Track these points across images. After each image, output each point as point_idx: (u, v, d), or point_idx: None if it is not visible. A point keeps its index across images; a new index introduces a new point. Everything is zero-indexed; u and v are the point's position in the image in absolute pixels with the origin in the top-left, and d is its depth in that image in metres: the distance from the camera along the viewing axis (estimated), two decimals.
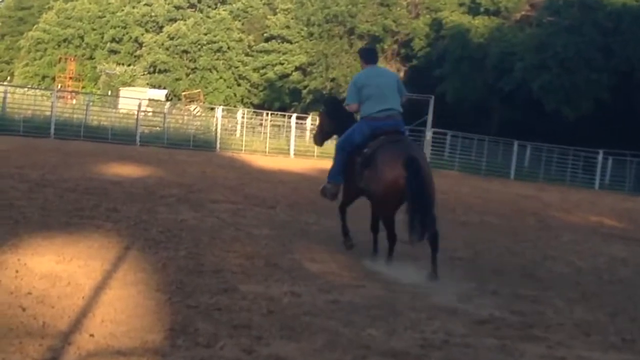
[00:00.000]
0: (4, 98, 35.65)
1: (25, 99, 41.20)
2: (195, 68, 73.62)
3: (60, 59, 78.44)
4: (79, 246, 8.69)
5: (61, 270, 7.46)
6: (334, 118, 11.28)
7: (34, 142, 27.38)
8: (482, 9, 51.44)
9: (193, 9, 78.89)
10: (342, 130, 10.84)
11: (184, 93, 68.70)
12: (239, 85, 73.74)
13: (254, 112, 49.73)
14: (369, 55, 11.05)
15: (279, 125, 43.53)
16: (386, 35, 58.71)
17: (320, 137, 11.86)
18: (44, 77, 79.60)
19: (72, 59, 77.74)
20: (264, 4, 76.63)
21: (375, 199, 10.09)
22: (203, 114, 49.02)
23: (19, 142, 26.14)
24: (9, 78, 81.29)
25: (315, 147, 38.81)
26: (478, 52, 49.14)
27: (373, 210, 10.41)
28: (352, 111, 10.76)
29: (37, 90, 52.50)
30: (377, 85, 10.36)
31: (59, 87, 69.04)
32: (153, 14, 78.98)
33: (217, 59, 73.27)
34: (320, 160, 35.98)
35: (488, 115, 51.75)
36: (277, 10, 71.00)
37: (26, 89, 51.74)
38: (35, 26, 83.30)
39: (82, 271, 7.54)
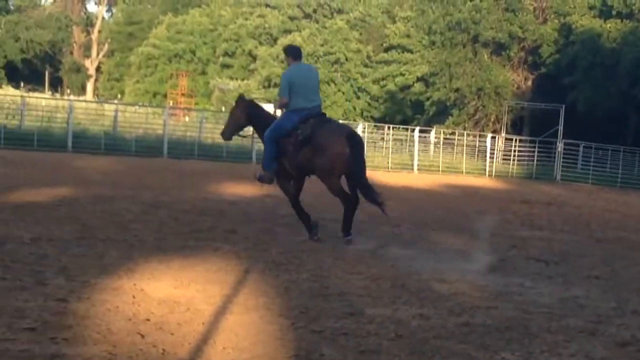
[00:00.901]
0: (115, 117, 36.68)
1: (136, 118, 42.25)
2: None
3: (171, 74, 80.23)
4: (196, 270, 8.82)
5: (179, 295, 7.57)
6: (246, 114, 12.96)
7: (146, 162, 28.04)
8: (614, 12, 50.26)
9: (308, 20, 79.55)
10: (257, 124, 12.85)
11: None
12: (358, 98, 73.93)
13: (374, 126, 49.79)
14: (296, 53, 12.79)
15: (401, 140, 43.44)
16: (512, 42, 57.91)
17: (229, 133, 13.26)
18: (155, 94, 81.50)
19: (184, 75, 79.40)
20: (382, 13, 76.73)
21: (322, 170, 11.99)
22: None
23: (131, 162, 26.81)
24: (119, 96, 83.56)
25: (440, 162, 38.98)
26: (610, 58, 48.02)
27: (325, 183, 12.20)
28: (283, 104, 12.37)
29: (149, 108, 53.80)
30: (304, 82, 12.31)
31: (171, 104, 70.62)
32: (267, 25, 79.97)
33: (335, 71, 73.67)
34: (445, 175, 35.77)
35: (623, 125, 50.52)
36: (397, 18, 70.96)
37: (137, 107, 53.08)
38: (145, 41, 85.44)
39: (201, 296, 7.63)
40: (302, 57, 13.02)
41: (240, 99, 13.44)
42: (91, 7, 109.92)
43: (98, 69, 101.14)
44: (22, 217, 11.92)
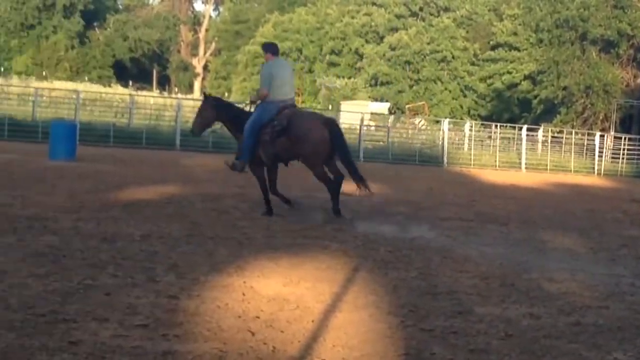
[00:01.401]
0: None
1: None
2: (419, 79, 73.86)
3: None
4: (305, 268, 8.86)
5: (289, 293, 7.61)
6: (217, 109, 13.87)
7: None
8: None
9: (415, 18, 79.26)
10: (225, 119, 13.81)
11: (407, 106, 68.92)
12: (465, 96, 73.42)
13: (481, 124, 49.36)
14: (274, 49, 13.81)
15: (508, 138, 42.99)
16: (621, 40, 56.70)
17: (200, 128, 14.15)
18: None
19: None
20: (489, 10, 76.02)
21: (307, 157, 13.02)
22: (428, 128, 49.09)
23: None
24: (226, 94, 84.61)
25: (548, 160, 38.40)
26: None
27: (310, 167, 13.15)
28: (263, 96, 13.28)
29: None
30: (282, 76, 13.37)
31: None
32: (373, 24, 79.97)
33: (442, 69, 73.30)
34: (553, 174, 35.22)
35: None
36: (504, 16, 70.25)
37: (244, 105, 53.62)
38: (251, 40, 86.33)
39: (311, 294, 7.66)
40: (279, 53, 14.07)
41: (207, 97, 14.36)
42: (198, 6, 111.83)
43: (205, 68, 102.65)
44: (131, 214, 12.16)
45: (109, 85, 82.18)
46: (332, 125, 13.25)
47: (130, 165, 22.21)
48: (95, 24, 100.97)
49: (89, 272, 7.71)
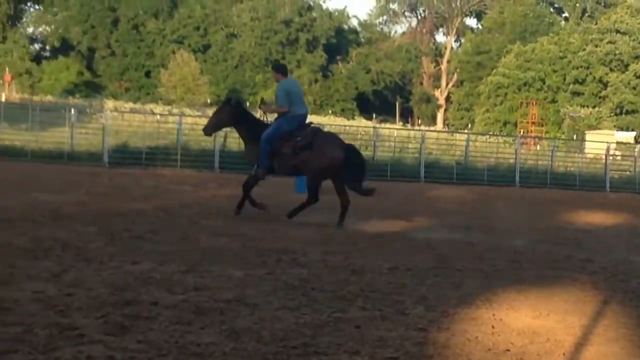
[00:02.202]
0: (466, 146, 37.07)
1: (487, 147, 42.48)
2: None
3: (521, 103, 79.93)
4: (554, 300, 8.68)
5: (538, 326, 7.49)
6: (233, 115, 15.10)
7: (498, 191, 28.06)
8: None
9: None
10: (242, 126, 15.10)
11: None
12: None
13: None
14: (284, 70, 15.35)
15: None
16: None
17: (212, 129, 15.68)
18: (505, 123, 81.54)
19: (534, 103, 78.79)
20: None
21: (315, 171, 14.61)
22: None
23: (483, 192, 26.94)
24: (469, 125, 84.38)
25: None
26: None
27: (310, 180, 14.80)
28: (283, 111, 14.72)
29: (499, 137, 53.90)
30: (297, 93, 15.16)
31: (522, 132, 70.26)
32: (617, 52, 77.66)
33: None
34: None
35: None
36: None
37: (488, 136, 53.34)
38: (494, 70, 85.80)
39: (560, 326, 7.51)
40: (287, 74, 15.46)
41: (228, 101, 15.72)
42: (440, 38, 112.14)
43: (447, 99, 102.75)
44: (379, 247, 12.32)
45: (353, 118, 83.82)
46: (351, 151, 15.11)
47: (375, 198, 22.49)
48: (337, 57, 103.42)
49: (339, 305, 7.85)
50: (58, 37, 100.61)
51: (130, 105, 73.68)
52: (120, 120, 44.90)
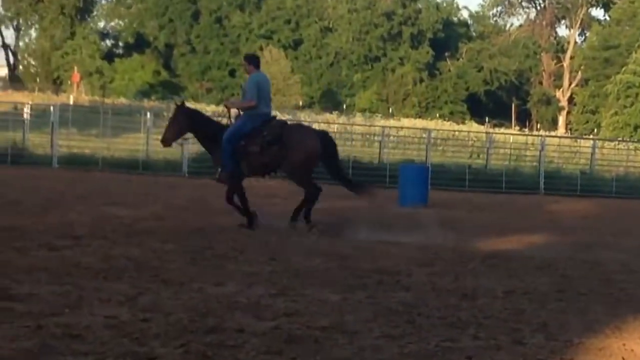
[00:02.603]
0: (592, 154, 36.57)
1: (616, 154, 41.85)
2: None
3: None
4: None
5: None
6: (191, 118, 15.57)
7: (628, 204, 27.63)
8: None
9: None
10: (199, 129, 15.58)
11: None
12: None
13: None
14: (257, 62, 15.97)
15: None
16: None
17: (173, 138, 15.80)
18: (635, 128, 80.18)
19: None
20: None
21: (296, 165, 15.13)
22: None
23: (611, 205, 26.55)
24: (595, 130, 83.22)
25: None
26: None
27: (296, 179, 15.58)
28: (250, 106, 15.15)
29: (630, 144, 53.02)
30: (267, 90, 15.60)
31: None
32: None
33: None
34: None
35: None
36: None
37: (616, 142, 52.54)
38: (624, 68, 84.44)
39: None
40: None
41: (180, 106, 15.81)
42: (562, 31, 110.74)
43: (570, 100, 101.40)
44: (492, 268, 12.23)
45: (463, 122, 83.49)
46: (325, 137, 15.91)
47: (488, 212, 22.38)
48: (446, 54, 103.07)
49: (448, 333, 7.82)
50: (132, 33, 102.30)
51: (212, 108, 74.38)
52: None
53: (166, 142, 16.03)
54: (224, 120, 16.12)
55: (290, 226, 15.03)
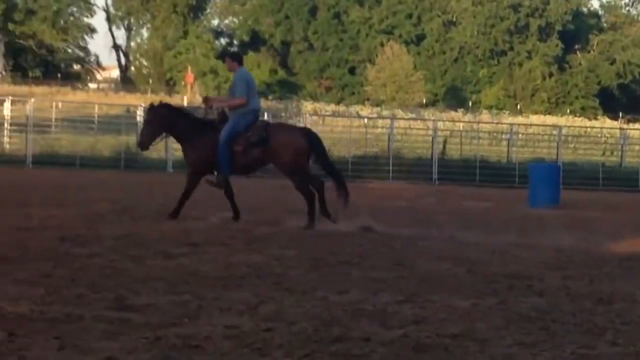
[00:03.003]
0: None
1: None
2: None
3: None
4: None
5: None
6: (167, 118, 15.70)
7: None
8: None
9: None
10: (179, 129, 15.66)
11: None
12: None
13: None
14: (241, 59, 16.61)
15: None
16: None
17: (150, 140, 15.93)
18: None
19: None
20: None
21: (288, 166, 15.58)
22: None
23: None
24: None
25: None
26: None
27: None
28: (242, 104, 15.39)
29: None
30: (254, 86, 16.14)
31: None
32: None
33: None
34: None
35: None
36: None
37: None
38: None
39: None
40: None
41: (153, 106, 16.08)
42: None
43: None
44: (630, 270, 12.05)
45: (595, 118, 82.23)
46: (310, 135, 16.17)
47: (623, 212, 22.01)
48: (576, 46, 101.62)
49: (584, 340, 7.70)
50: (247, 30, 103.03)
51: (332, 107, 74.80)
52: (321, 125, 45.64)
53: (143, 146, 16.30)
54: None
55: (332, 221, 15.45)
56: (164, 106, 16.48)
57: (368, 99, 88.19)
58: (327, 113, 60.56)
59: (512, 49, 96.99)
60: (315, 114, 48.76)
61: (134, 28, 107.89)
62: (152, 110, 16.10)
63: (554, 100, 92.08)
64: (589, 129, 48.36)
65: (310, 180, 15.74)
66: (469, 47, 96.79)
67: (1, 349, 6.55)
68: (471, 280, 10.70)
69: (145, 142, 16.09)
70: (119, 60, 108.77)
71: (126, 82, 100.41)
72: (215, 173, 15.73)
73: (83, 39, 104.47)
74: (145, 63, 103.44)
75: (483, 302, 9.24)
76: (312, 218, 15.40)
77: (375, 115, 60.49)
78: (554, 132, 38.35)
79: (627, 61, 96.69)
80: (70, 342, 6.81)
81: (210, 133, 15.47)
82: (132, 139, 31.69)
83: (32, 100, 37.59)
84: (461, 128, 45.04)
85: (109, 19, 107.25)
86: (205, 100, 16.84)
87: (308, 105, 72.97)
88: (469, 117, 72.05)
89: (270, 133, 15.46)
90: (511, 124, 43.18)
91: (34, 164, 32.05)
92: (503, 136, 42.31)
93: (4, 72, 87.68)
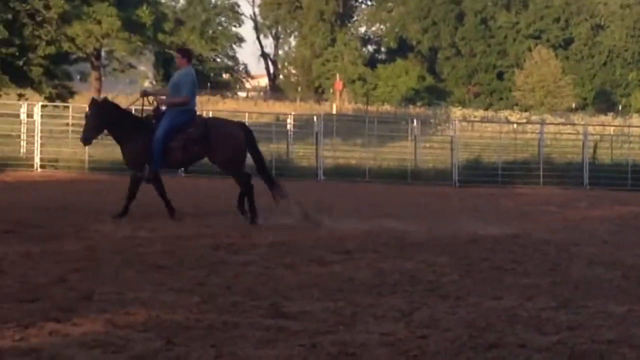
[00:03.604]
0: None
1: None
2: None
3: None
4: None
5: None
6: (106, 114, 15.57)
7: None
8: None
9: None
10: (116, 125, 15.54)
11: None
12: None
13: None
14: (191, 56, 17.04)
15: None
16: None
17: (92, 134, 15.90)
18: None
19: None
20: None
21: (226, 161, 15.84)
22: None
23: None
24: None
25: None
26: None
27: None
28: (185, 102, 15.56)
29: None
30: (197, 85, 16.17)
31: None
32: None
33: None
34: None
35: None
36: None
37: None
38: None
39: None
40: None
41: (95, 101, 16.18)
42: None
43: None
44: None
45: None
46: (246, 129, 16.54)
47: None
48: None
49: None
50: (394, 37, 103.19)
51: (480, 113, 74.42)
52: (470, 131, 45.49)
53: (85, 140, 16.15)
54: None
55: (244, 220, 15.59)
56: (106, 102, 16.62)
57: (516, 104, 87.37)
58: (476, 119, 60.23)
59: None
60: (464, 120, 48.47)
61: (282, 36, 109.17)
62: (97, 106, 16.03)
63: None
64: None
65: (242, 171, 16.00)
66: (618, 50, 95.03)
67: (159, 356, 6.70)
68: (626, 285, 10.53)
69: (87, 137, 16.05)
70: (267, 68, 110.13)
71: (275, 90, 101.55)
72: (146, 167, 15.48)
73: (231, 48, 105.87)
74: (293, 71, 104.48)
75: (639, 308, 9.08)
76: (254, 210, 15.65)
77: (524, 121, 59.87)
78: None
79: None
80: (227, 349, 6.95)
81: (148, 130, 15.46)
82: (282, 147, 31.94)
83: None
84: (611, 132, 44.11)
85: (256, 28, 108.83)
86: (143, 94, 16.46)
87: (457, 112, 72.78)
88: (618, 120, 70.73)
89: (211, 128, 15.67)
90: None
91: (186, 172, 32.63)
92: None
93: (154, 82, 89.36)
